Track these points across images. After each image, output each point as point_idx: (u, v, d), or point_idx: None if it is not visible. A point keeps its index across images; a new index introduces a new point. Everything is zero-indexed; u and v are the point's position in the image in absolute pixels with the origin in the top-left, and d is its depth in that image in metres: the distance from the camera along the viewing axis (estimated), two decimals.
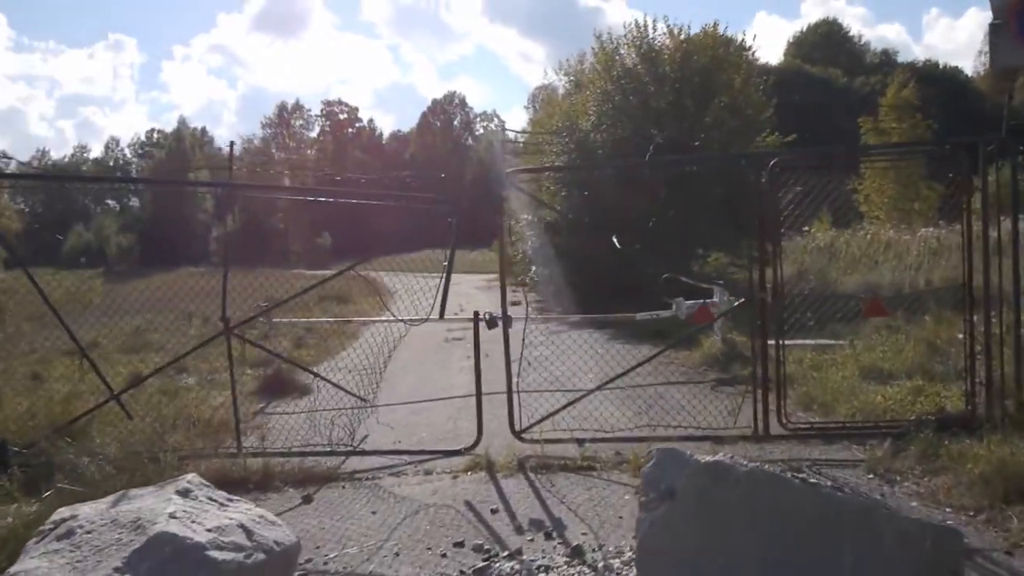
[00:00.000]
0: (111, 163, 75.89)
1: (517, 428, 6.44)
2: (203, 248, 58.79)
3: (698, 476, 3.40)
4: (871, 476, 5.30)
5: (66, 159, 69.94)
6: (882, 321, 9.35)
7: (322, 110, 77.67)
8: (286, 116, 77.70)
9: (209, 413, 7.31)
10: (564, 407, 6.63)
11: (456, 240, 6.68)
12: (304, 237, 68.01)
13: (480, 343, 6.60)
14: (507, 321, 6.48)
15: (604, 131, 18.26)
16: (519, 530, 4.66)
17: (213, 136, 78.66)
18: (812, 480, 3.86)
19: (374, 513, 5.06)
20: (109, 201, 76.02)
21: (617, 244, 10.06)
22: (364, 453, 6.39)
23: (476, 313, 6.63)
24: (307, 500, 5.31)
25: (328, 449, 6.32)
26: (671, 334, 9.65)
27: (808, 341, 8.66)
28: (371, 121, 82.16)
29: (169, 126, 75.24)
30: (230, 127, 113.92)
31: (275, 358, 9.08)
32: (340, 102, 79.29)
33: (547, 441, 6.27)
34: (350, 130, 78.23)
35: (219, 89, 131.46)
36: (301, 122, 79.46)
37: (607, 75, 19.08)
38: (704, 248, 18.33)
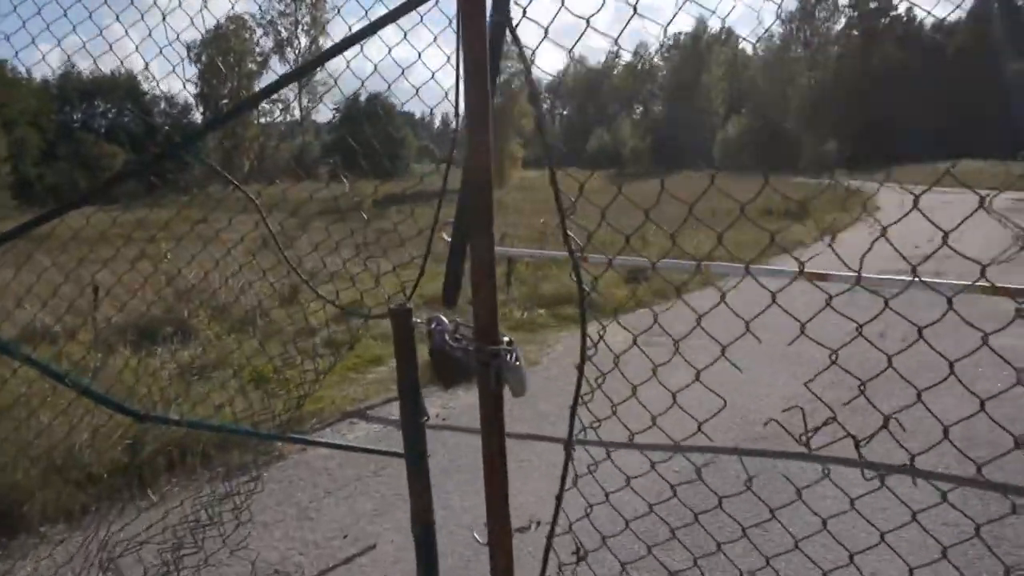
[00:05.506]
0: (638, 67, 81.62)
1: None
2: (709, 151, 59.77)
3: None
4: None
5: (600, 65, 77.36)
6: None
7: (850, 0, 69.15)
8: (808, 8, 71.54)
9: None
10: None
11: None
12: (812, 143, 63.34)
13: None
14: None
15: None
16: None
17: (738, 37, 77.21)
18: None
19: None
20: (636, 106, 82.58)
21: None
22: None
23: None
24: None
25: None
26: None
27: None
28: (909, 10, 70.04)
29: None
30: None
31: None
32: None
33: None
34: (883, 20, 68.20)
35: None
36: (825, 14, 72.36)
37: None
38: None
